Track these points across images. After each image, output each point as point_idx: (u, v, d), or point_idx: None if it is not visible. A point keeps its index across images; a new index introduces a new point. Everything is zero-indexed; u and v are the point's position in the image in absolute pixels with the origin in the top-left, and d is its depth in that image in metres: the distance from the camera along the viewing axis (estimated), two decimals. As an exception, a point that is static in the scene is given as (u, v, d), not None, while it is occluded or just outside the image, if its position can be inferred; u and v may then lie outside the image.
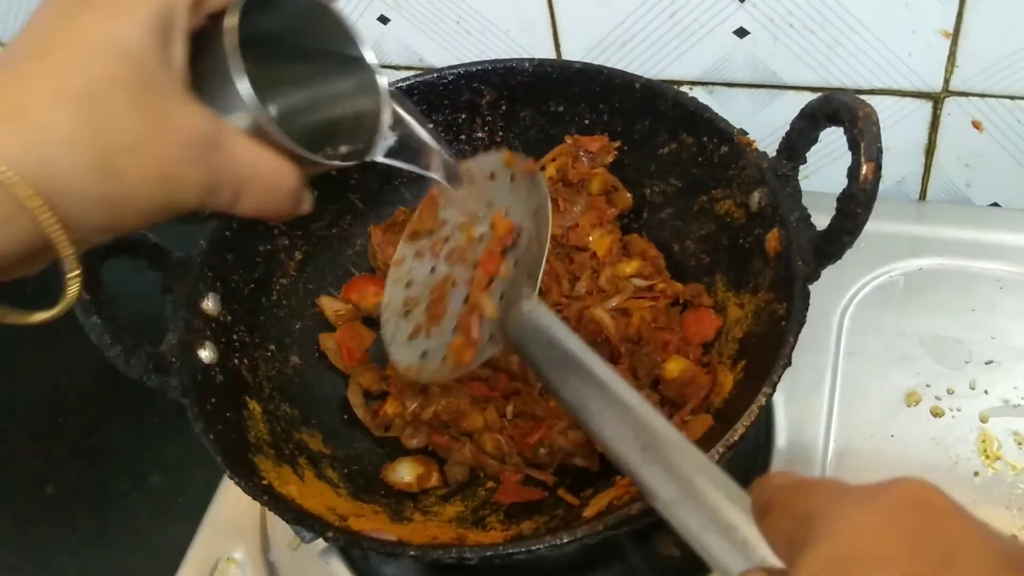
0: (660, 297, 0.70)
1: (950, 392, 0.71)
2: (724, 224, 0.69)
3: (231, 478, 0.56)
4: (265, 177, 0.43)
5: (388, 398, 0.71)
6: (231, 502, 0.75)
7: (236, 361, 0.66)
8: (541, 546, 0.51)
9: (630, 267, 0.72)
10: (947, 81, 0.77)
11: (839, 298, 0.77)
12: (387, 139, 0.52)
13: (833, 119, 0.57)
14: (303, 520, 0.56)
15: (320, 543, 0.69)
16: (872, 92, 0.79)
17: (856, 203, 0.54)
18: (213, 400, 0.61)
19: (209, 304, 0.65)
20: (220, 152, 0.41)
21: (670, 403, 0.65)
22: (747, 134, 0.66)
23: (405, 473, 0.68)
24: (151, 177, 0.39)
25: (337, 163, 0.48)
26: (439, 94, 0.75)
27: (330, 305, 0.75)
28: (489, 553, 0.52)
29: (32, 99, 0.37)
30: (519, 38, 0.86)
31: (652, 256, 0.73)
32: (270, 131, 0.42)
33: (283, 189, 0.44)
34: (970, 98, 0.78)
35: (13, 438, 1.01)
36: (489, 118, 0.77)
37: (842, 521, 0.32)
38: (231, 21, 0.41)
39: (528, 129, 0.77)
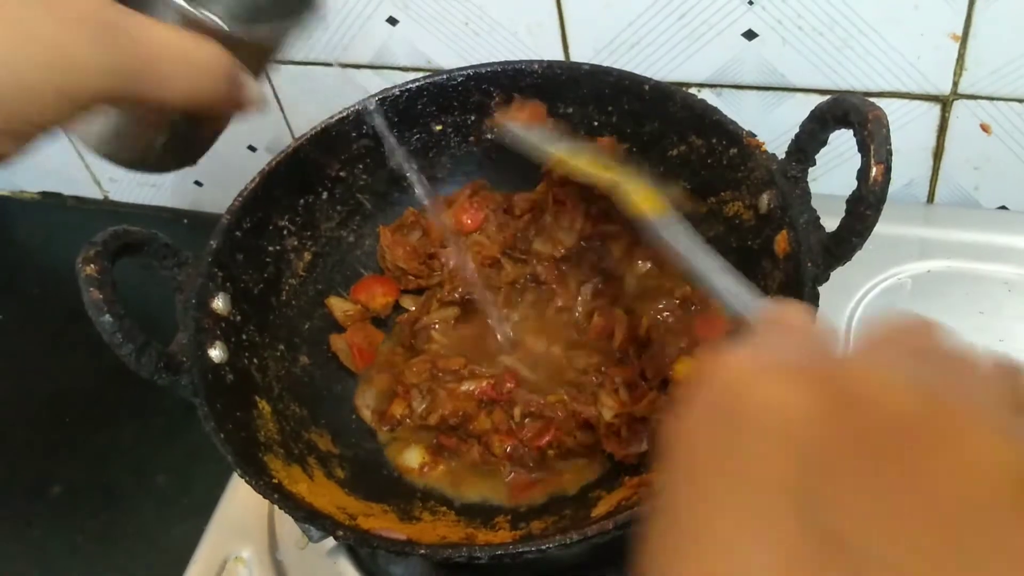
0: (669, 297, 0.70)
1: (958, 395, 0.71)
2: (733, 226, 0.69)
3: (242, 477, 0.56)
4: (181, 54, 0.41)
5: (395, 399, 0.71)
6: (238, 501, 0.75)
7: (246, 361, 0.66)
8: (551, 545, 0.51)
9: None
10: (955, 84, 0.77)
11: (847, 300, 0.77)
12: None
13: (843, 121, 0.57)
14: (313, 519, 0.56)
15: (328, 542, 0.69)
16: (880, 95, 0.79)
17: (865, 205, 0.54)
18: (223, 399, 0.61)
19: (219, 304, 0.65)
20: (120, 32, 0.39)
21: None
22: (756, 136, 0.66)
23: (412, 458, 0.69)
24: (38, 59, 0.37)
25: (265, 39, 0.47)
26: (448, 96, 0.76)
27: (339, 305, 0.75)
28: (499, 552, 0.52)
29: None
30: (527, 40, 0.86)
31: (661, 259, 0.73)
32: (190, 12, 0.42)
33: (208, 68, 0.42)
34: (979, 101, 0.78)
35: (19, 438, 1.01)
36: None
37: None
38: None
39: (537, 131, 0.77)
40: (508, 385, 0.69)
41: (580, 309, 0.72)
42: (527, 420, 0.68)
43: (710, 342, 0.68)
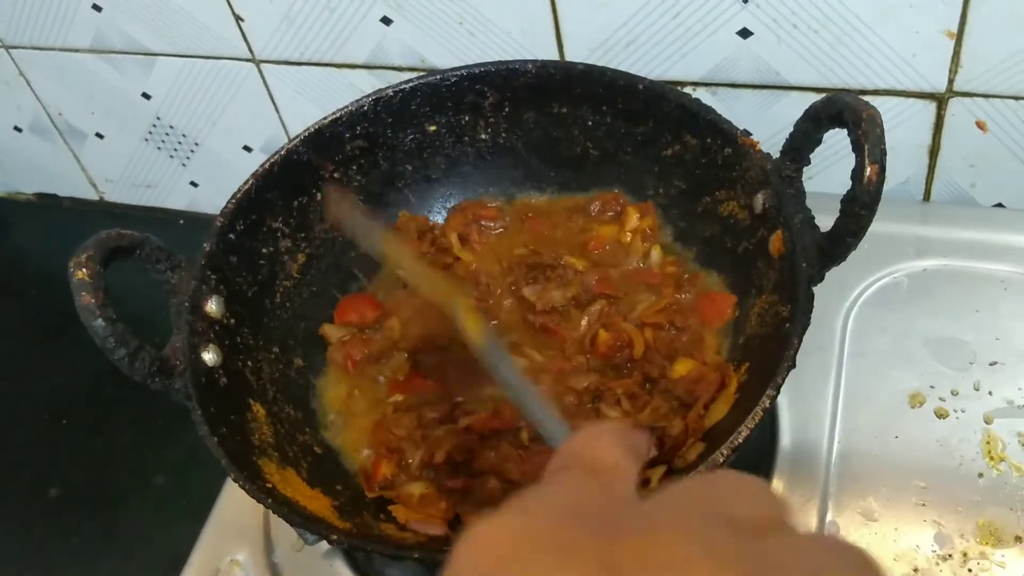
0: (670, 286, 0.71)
1: (954, 393, 0.70)
2: (728, 226, 0.69)
3: (235, 481, 0.56)
4: None
5: (381, 460, 0.66)
6: (235, 504, 0.75)
7: (240, 363, 0.66)
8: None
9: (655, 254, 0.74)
10: (951, 81, 0.77)
11: (843, 299, 0.77)
12: None
13: (837, 120, 0.57)
14: (308, 523, 0.56)
15: (324, 544, 0.69)
16: (876, 93, 0.79)
17: (860, 205, 0.54)
18: (217, 403, 0.61)
19: (212, 306, 0.65)
20: None
21: (682, 402, 0.64)
22: (751, 135, 0.66)
23: (414, 488, 0.64)
24: None
25: None
26: (442, 96, 0.75)
27: (334, 333, 0.74)
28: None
29: None
30: (522, 39, 0.86)
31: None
32: None
33: None
34: (974, 98, 0.78)
35: (17, 441, 1.01)
36: (492, 120, 0.77)
37: None
38: None
39: (531, 131, 0.77)
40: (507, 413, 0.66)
41: (584, 328, 0.70)
42: (535, 443, 0.65)
43: (717, 324, 0.69)
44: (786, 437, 0.70)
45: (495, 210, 0.79)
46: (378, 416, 0.69)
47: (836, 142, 0.70)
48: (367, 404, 0.71)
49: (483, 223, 0.79)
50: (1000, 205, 0.86)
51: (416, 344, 0.72)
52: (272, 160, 0.71)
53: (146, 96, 1.07)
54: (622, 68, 0.73)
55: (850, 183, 0.55)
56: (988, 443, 0.68)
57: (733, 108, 0.84)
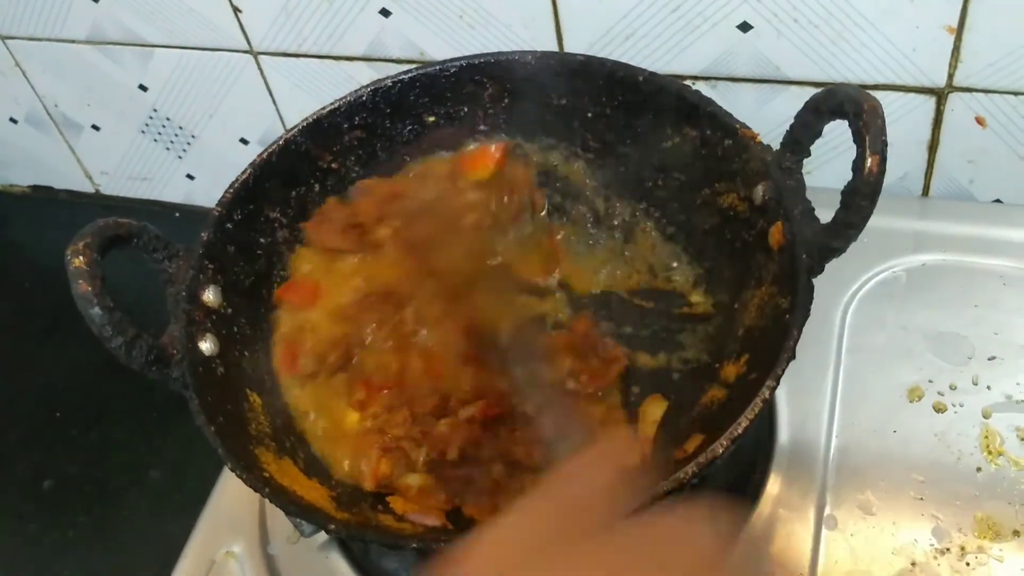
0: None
1: (953, 388, 0.71)
2: (727, 218, 0.69)
3: (232, 470, 0.56)
4: None
5: (379, 459, 0.65)
6: (230, 496, 0.75)
7: (237, 353, 0.66)
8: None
9: None
10: (951, 77, 0.77)
11: (841, 294, 0.77)
12: None
13: (838, 112, 0.56)
14: (305, 513, 0.56)
15: (320, 536, 0.69)
16: (875, 87, 0.79)
17: (861, 196, 0.54)
18: (214, 392, 0.61)
19: (210, 296, 0.65)
20: None
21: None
22: (750, 129, 0.66)
23: (412, 480, 0.64)
24: None
25: None
26: (441, 87, 0.75)
27: (286, 319, 0.72)
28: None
29: None
30: (522, 32, 0.85)
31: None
32: None
33: None
34: (974, 94, 0.78)
35: (11, 434, 1.00)
36: (491, 111, 0.77)
37: None
38: None
39: (531, 122, 0.77)
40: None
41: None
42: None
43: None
44: (784, 432, 0.70)
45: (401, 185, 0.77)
46: (354, 435, 0.67)
47: (835, 136, 0.70)
48: (341, 431, 0.68)
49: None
50: (998, 201, 0.86)
51: (346, 352, 0.70)
52: (270, 150, 0.71)
53: (143, 88, 1.07)
54: (622, 61, 0.73)
55: (849, 178, 0.55)
56: (986, 437, 0.68)
57: (732, 103, 0.84)
